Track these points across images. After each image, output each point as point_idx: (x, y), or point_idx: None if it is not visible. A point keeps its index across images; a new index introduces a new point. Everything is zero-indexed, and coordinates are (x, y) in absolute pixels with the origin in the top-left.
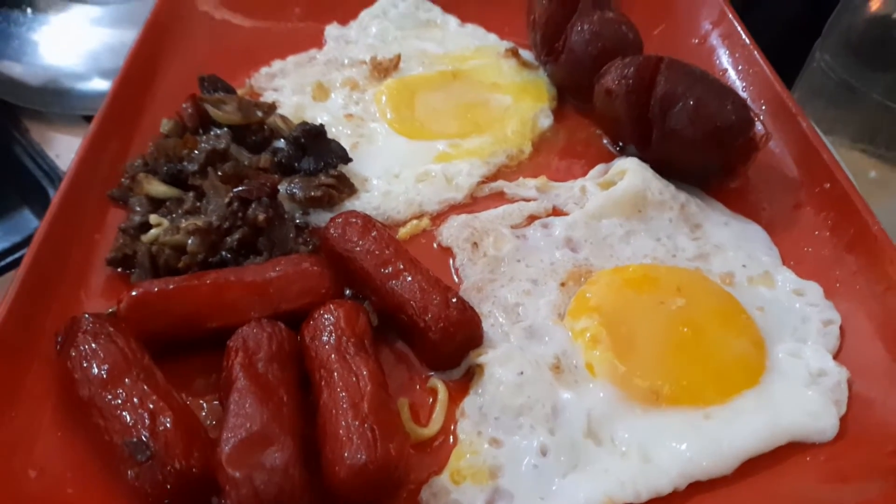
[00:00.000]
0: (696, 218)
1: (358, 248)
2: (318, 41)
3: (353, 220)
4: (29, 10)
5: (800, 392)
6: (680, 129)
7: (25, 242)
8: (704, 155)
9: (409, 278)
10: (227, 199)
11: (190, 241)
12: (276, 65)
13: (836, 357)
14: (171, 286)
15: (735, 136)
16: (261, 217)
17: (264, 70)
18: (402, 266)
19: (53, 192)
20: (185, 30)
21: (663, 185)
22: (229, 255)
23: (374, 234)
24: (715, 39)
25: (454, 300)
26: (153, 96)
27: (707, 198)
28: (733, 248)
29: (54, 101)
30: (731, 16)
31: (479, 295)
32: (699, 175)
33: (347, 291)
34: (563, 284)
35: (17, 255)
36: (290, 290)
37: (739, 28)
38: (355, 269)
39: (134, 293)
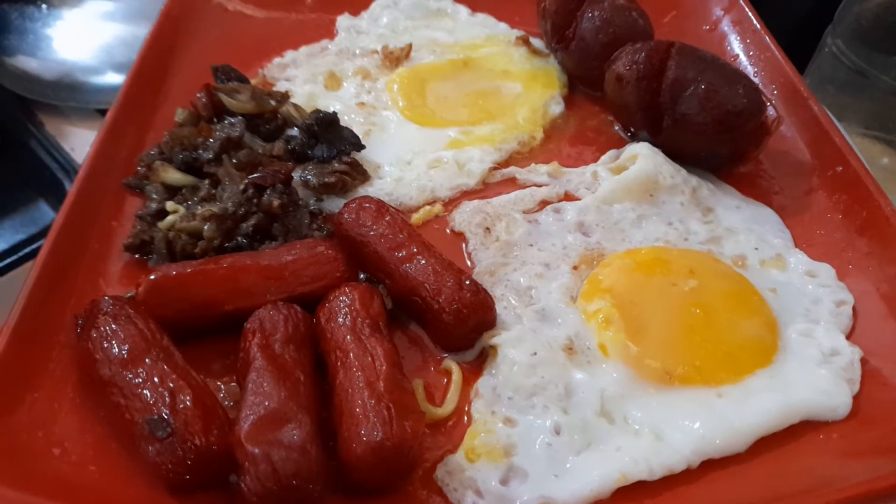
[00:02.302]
0: (707, 202)
1: (372, 233)
2: (329, 32)
3: (367, 204)
4: (44, 6)
5: (812, 371)
6: (691, 114)
7: (42, 234)
8: (716, 140)
9: (423, 261)
10: (242, 186)
11: (206, 227)
12: (289, 55)
13: (848, 337)
14: (189, 270)
15: (746, 121)
16: (275, 203)
17: (277, 60)
18: (415, 249)
19: (69, 184)
20: (199, 22)
21: (675, 170)
22: (245, 241)
23: (387, 218)
24: (726, 25)
25: (467, 283)
26: (168, 87)
27: (719, 182)
28: (745, 231)
29: (69, 96)
30: (742, 2)
31: (492, 279)
32: (711, 160)
33: (361, 275)
34: (575, 268)
35: (33, 247)
36: (305, 274)
37: (751, 14)
38: (369, 253)
39: (152, 277)
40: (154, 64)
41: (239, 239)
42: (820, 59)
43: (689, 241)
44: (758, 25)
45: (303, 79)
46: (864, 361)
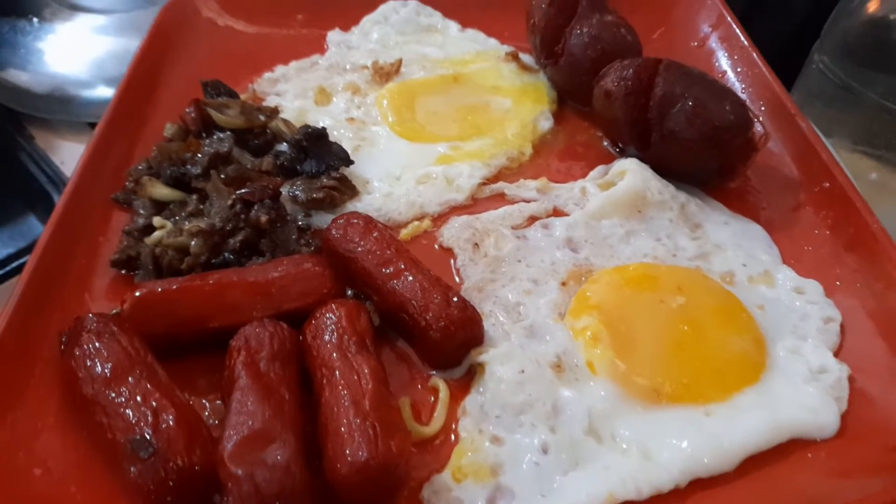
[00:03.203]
0: (696, 218)
1: (359, 249)
2: (320, 47)
3: (355, 220)
4: (35, 20)
5: (800, 389)
6: (679, 130)
7: (30, 248)
8: (703, 156)
9: (410, 278)
10: (229, 202)
11: (193, 243)
12: (279, 70)
13: (836, 354)
14: (175, 286)
15: (734, 137)
16: (263, 219)
17: (267, 75)
18: (403, 266)
19: (58, 198)
20: (189, 36)
21: (663, 186)
22: (232, 257)
23: (375, 234)
24: (714, 42)
25: (455, 299)
26: (157, 101)
27: (707, 198)
28: (733, 247)
29: (59, 109)
30: (729, 18)
31: (480, 294)
32: (699, 176)
33: (349, 292)
34: (563, 284)
35: (21, 261)
36: (292, 290)
37: (738, 30)
38: (357, 269)
39: (137, 293)
40: (143, 78)
41: (226, 254)
42: (807, 75)
43: (678, 258)
44: (745, 42)
45: (293, 94)
46: (851, 379)
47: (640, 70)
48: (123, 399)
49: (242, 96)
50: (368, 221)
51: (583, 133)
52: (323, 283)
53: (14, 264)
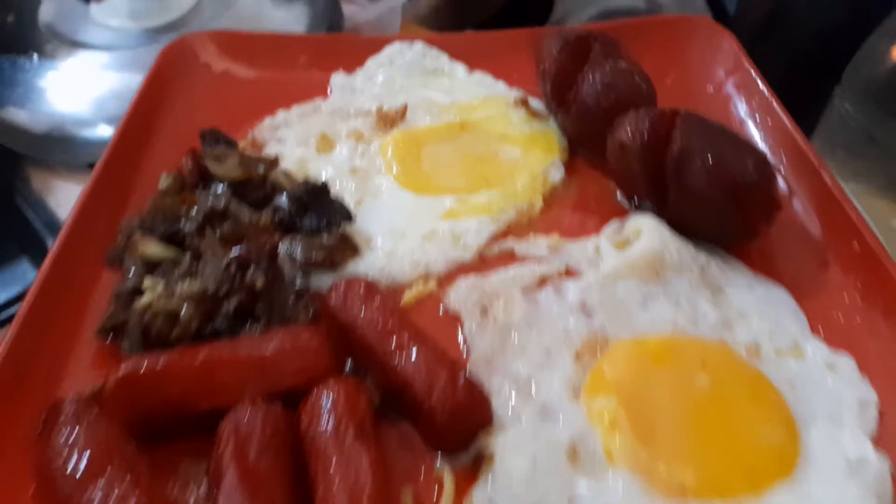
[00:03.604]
0: (717, 281)
1: (359, 319)
2: (323, 90)
3: (355, 287)
4: (35, 56)
5: (839, 484)
6: (698, 187)
7: (22, 296)
8: (724, 214)
9: (414, 353)
10: (224, 263)
11: (184, 310)
12: (280, 115)
13: (875, 442)
14: (160, 365)
15: (756, 195)
16: (259, 282)
17: (268, 121)
18: (406, 339)
19: (51, 242)
20: (188, 80)
21: (682, 246)
22: (224, 325)
23: (376, 302)
24: (730, 88)
25: (462, 380)
26: (154, 149)
27: (728, 258)
28: (758, 314)
29: (58, 149)
30: (747, 64)
31: (489, 367)
32: (719, 234)
33: (349, 362)
34: (578, 356)
35: (11, 312)
36: (287, 367)
37: (756, 76)
38: (357, 340)
39: (120, 373)
40: (140, 124)
41: (218, 322)
42: (828, 121)
43: (699, 326)
44: (764, 89)
45: (294, 140)
46: (894, 473)
47: (656, 122)
48: (99, 499)
49: (242, 143)
50: (369, 288)
51: (595, 184)
52: (320, 358)
53: (4, 314)
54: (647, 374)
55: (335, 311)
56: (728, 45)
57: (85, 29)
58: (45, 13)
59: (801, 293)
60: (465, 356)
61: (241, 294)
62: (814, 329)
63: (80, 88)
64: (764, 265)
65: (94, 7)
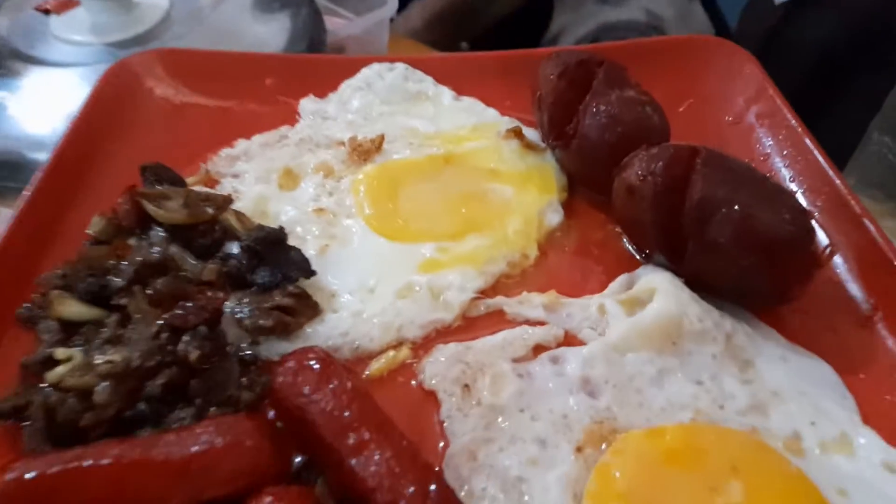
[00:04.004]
0: (745, 353)
1: (312, 405)
2: (290, 117)
3: (309, 362)
4: None
5: None
6: (722, 242)
7: None
8: (753, 274)
9: (377, 455)
10: (154, 329)
11: (99, 389)
12: (240, 145)
13: None
14: (56, 469)
15: (793, 253)
16: (194, 356)
17: (225, 152)
18: (367, 436)
19: None
20: (133, 107)
21: (703, 311)
22: (148, 409)
23: (333, 384)
24: (752, 118)
25: (433, 490)
26: (88, 188)
27: (756, 323)
28: (795, 395)
29: (8, 175)
30: (771, 91)
31: (471, 464)
32: (746, 295)
33: (298, 459)
34: (579, 450)
35: None
36: (218, 471)
37: (782, 105)
38: (308, 432)
39: (6, 479)
40: (73, 159)
41: (142, 405)
42: (864, 156)
43: (726, 410)
44: (792, 120)
45: (254, 175)
46: None
47: (671, 163)
48: None
49: (192, 179)
50: (326, 365)
51: (598, 229)
52: (259, 460)
53: None
54: (664, 478)
55: (283, 393)
56: (750, 71)
57: (44, 44)
58: (0, 27)
59: (846, 368)
60: (441, 447)
61: (171, 369)
62: (864, 415)
63: (37, 108)
64: (800, 331)
65: (54, 20)
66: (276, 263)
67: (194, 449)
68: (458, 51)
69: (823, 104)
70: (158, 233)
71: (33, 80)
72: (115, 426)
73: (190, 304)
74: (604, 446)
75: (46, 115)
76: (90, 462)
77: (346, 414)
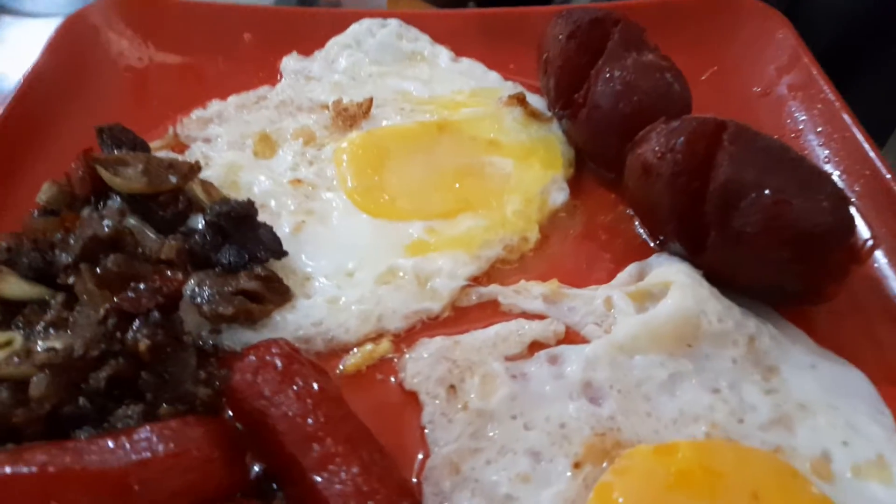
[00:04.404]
0: (770, 358)
1: (273, 409)
2: (271, 76)
3: (272, 357)
4: None
5: None
6: (749, 232)
7: None
8: (783, 269)
9: (344, 470)
10: (101, 313)
11: (35, 381)
12: (214, 106)
13: None
14: None
15: (830, 247)
16: (142, 346)
17: (196, 113)
18: (334, 447)
19: None
20: (94, 62)
21: (724, 309)
22: (89, 406)
23: (297, 385)
24: (783, 89)
25: None
26: (40, 151)
27: (783, 323)
28: (825, 408)
29: None
30: (806, 59)
31: (454, 478)
32: (773, 292)
33: (256, 468)
34: (577, 465)
35: None
36: (159, 487)
37: (818, 76)
38: (268, 440)
39: None
40: (24, 118)
41: (82, 400)
42: None
43: (746, 424)
44: (829, 93)
45: (227, 140)
46: None
47: (693, 139)
48: None
49: (158, 143)
50: (290, 362)
51: (608, 210)
52: (210, 472)
53: None
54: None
55: (240, 394)
56: (783, 35)
57: None
58: None
59: (885, 378)
60: (420, 458)
61: (118, 360)
62: None
63: (7, 61)
64: (833, 336)
65: None
66: (242, 242)
67: (134, 458)
68: None
69: (856, 74)
70: (116, 203)
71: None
72: (50, 424)
73: (143, 286)
74: (605, 464)
75: (17, 68)
76: (9, 470)
77: (310, 421)
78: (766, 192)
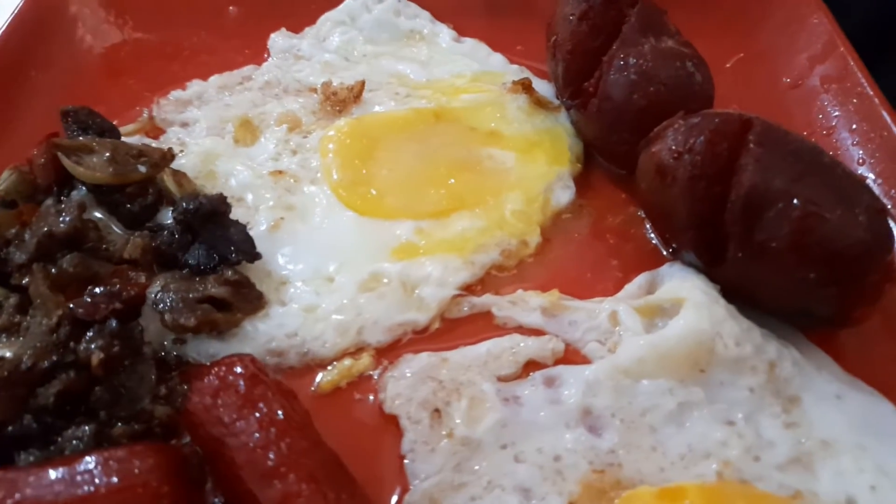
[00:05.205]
0: (791, 386)
1: (232, 438)
2: (257, 54)
3: (235, 378)
4: None
5: None
6: (775, 247)
7: None
8: (810, 289)
9: None
10: (54, 321)
11: None
12: (193, 87)
13: None
14: None
15: (866, 268)
16: (95, 360)
17: (174, 94)
18: (296, 485)
19: None
20: (64, 38)
21: (742, 331)
22: (35, 425)
23: (260, 411)
24: (816, 80)
25: None
26: (3, 132)
27: (808, 347)
28: (851, 447)
29: None
30: (842, 48)
31: None
32: (798, 312)
33: (216, 501)
34: None
35: None
36: None
37: (856, 67)
38: (226, 472)
39: None
40: None
41: (28, 419)
42: None
43: (762, 463)
44: (867, 86)
45: (206, 125)
46: None
47: (715, 138)
48: None
49: (132, 127)
50: (254, 384)
51: (618, 211)
52: None
53: None
54: None
55: (198, 418)
56: (817, 21)
57: None
58: None
59: None
60: (398, 492)
61: (69, 374)
62: None
63: None
64: (863, 362)
65: None
66: (212, 241)
67: (74, 491)
68: None
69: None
70: (80, 194)
71: None
72: None
73: (101, 290)
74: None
75: None
76: None
77: (272, 455)
78: (795, 202)
